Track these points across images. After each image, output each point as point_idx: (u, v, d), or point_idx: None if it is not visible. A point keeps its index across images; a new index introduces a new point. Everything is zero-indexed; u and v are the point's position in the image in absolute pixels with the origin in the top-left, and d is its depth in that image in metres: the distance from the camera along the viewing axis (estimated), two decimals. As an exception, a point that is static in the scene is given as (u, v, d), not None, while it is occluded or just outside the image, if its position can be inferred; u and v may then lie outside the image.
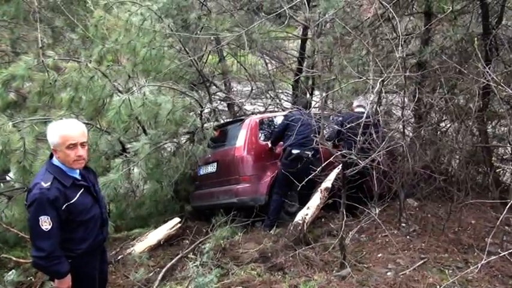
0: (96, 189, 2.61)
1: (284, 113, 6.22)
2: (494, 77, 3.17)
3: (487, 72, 3.35)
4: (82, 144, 2.41)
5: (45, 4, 6.53)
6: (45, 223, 2.25)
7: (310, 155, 4.85)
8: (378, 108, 4.06)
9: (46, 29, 6.47)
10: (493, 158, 5.16)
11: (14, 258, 4.18)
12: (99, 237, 2.56)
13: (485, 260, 2.86)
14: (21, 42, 6.55)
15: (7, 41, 7.04)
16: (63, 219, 2.33)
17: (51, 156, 2.45)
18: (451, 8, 4.77)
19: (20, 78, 4.83)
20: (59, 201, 2.30)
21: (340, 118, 5.47)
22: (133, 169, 5.04)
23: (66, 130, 2.38)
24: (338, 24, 5.37)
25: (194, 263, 3.88)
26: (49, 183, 2.29)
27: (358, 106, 5.28)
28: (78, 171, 2.47)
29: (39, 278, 3.97)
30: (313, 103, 8.07)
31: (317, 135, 4.08)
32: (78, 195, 2.40)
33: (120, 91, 5.39)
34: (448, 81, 5.24)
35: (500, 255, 2.91)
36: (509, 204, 2.66)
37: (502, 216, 2.64)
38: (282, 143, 5.18)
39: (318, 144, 4.08)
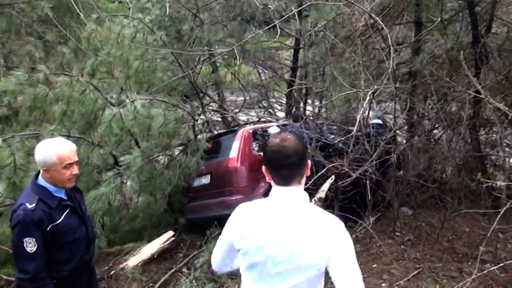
0: (83, 209, 2.56)
1: (278, 123, 6.23)
2: (480, 89, 3.18)
3: (476, 82, 3.37)
4: (76, 163, 2.41)
5: (36, 17, 6.50)
6: (30, 245, 2.21)
7: None
8: (369, 119, 4.07)
9: (38, 43, 6.45)
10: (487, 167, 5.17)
11: (4, 277, 4.12)
12: (85, 257, 2.51)
13: (478, 270, 2.84)
14: (12, 56, 6.53)
15: (-2, 55, 7.03)
16: (48, 240, 2.28)
17: (36, 175, 2.40)
18: (440, 17, 4.80)
19: (11, 93, 4.81)
20: (44, 223, 2.26)
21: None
22: (126, 182, 5.01)
23: (63, 150, 2.34)
24: (329, 34, 5.40)
25: (187, 278, 3.84)
26: (34, 205, 2.25)
27: (375, 117, 5.28)
28: (64, 191, 2.42)
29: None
30: (307, 112, 8.12)
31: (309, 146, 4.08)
32: (63, 216, 2.35)
33: (112, 104, 5.38)
34: (439, 89, 5.27)
35: (496, 267, 2.89)
36: (501, 213, 2.66)
37: (493, 227, 2.64)
38: None
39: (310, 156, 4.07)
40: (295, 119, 5.21)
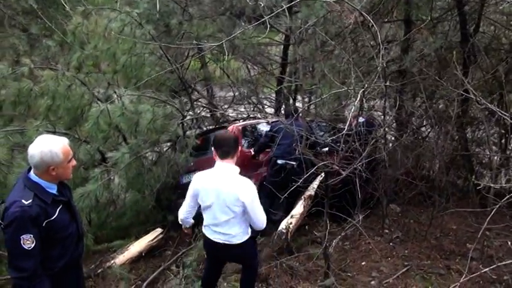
0: (72, 204, 2.55)
1: (267, 120, 6.21)
2: (470, 88, 3.20)
3: (464, 81, 3.39)
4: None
5: (20, 9, 6.33)
6: (28, 242, 2.16)
7: (295, 165, 4.83)
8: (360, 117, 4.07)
9: (22, 36, 6.28)
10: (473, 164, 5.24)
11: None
12: (75, 254, 2.50)
13: (467, 268, 2.88)
14: (-5, 49, 6.36)
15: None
16: (43, 237, 2.25)
17: (28, 171, 2.35)
18: (429, 16, 4.82)
19: (-6, 87, 4.68)
20: (40, 218, 2.22)
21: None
22: (113, 179, 4.93)
23: (64, 145, 2.36)
24: (319, 31, 5.38)
25: (176, 276, 3.80)
26: (30, 201, 2.20)
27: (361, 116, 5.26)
28: (56, 187, 2.40)
29: (15, 294, 3.83)
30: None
31: (299, 144, 4.07)
32: (57, 212, 2.33)
33: (99, 99, 5.28)
34: (428, 88, 5.31)
35: (488, 269, 2.93)
36: (492, 214, 2.69)
37: (483, 227, 2.67)
38: (268, 150, 5.21)
39: (300, 154, 4.06)
40: (287, 115, 5.21)
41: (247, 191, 2.76)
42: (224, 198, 2.78)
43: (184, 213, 3.06)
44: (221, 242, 2.90)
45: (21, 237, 2.16)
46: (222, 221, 2.83)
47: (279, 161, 5.00)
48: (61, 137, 2.45)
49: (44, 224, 2.24)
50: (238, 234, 2.89)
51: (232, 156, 2.85)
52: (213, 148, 2.88)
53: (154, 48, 5.93)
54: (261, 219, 2.87)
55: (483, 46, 5.36)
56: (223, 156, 2.83)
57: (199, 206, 2.99)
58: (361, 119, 5.18)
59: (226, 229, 2.86)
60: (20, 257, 2.19)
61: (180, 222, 3.23)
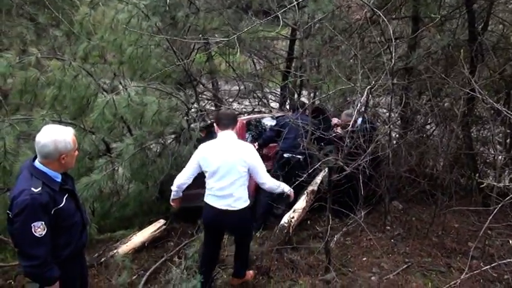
0: (76, 194, 2.60)
1: (272, 114, 6.21)
2: (478, 88, 3.18)
3: (471, 80, 3.38)
4: None
5: (28, -2, 6.36)
6: (39, 229, 2.20)
7: (301, 159, 4.85)
8: (365, 114, 4.06)
9: (29, 25, 6.30)
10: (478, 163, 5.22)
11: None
12: (79, 243, 2.54)
13: (468, 266, 2.89)
14: (2, 37, 6.36)
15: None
16: (52, 225, 2.28)
17: (33, 159, 2.38)
18: (438, 14, 4.79)
19: (1, 76, 4.69)
20: (50, 206, 2.26)
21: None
22: (117, 169, 4.96)
23: (71, 133, 2.42)
24: (328, 25, 5.36)
25: (178, 267, 3.83)
26: (40, 188, 2.24)
27: (347, 115, 5.27)
28: (60, 175, 2.43)
29: (19, 281, 3.88)
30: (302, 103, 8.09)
31: (304, 138, 4.07)
32: (64, 200, 2.37)
33: (105, 90, 5.29)
34: (434, 85, 5.29)
35: (489, 267, 2.93)
36: (494, 212, 2.69)
37: (485, 226, 2.67)
38: (272, 145, 5.25)
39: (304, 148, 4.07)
40: (293, 109, 5.25)
41: (250, 152, 3.26)
42: (230, 160, 3.20)
43: (182, 180, 3.42)
44: (223, 208, 3.26)
45: (32, 224, 2.18)
46: (228, 183, 3.21)
47: (285, 155, 5.07)
48: (66, 126, 2.50)
49: (52, 212, 2.28)
50: (241, 198, 3.27)
51: (232, 128, 3.33)
52: (215, 124, 3.38)
53: (160, 40, 5.94)
54: (265, 174, 3.33)
55: (491, 45, 5.32)
56: (224, 127, 3.31)
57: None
58: (359, 121, 5.19)
59: (231, 190, 3.22)
60: (31, 245, 2.21)
61: (172, 190, 3.55)
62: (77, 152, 2.48)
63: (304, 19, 6.33)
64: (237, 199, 3.26)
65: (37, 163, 2.36)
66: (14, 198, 2.24)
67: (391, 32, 3.91)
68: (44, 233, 2.21)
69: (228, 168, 3.21)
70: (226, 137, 3.30)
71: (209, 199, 3.33)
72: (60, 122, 4.48)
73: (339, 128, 5.34)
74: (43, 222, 2.21)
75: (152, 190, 5.30)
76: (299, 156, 4.89)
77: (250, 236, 3.66)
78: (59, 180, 2.40)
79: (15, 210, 2.21)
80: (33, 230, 2.18)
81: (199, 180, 5.45)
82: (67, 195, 2.41)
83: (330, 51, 5.73)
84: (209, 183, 3.32)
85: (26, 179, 2.29)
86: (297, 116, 4.69)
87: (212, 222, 3.41)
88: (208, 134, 5.76)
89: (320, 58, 6.43)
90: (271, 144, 5.40)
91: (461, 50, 3.84)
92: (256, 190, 5.10)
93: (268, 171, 5.22)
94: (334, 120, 5.55)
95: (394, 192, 5.10)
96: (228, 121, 3.32)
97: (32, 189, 2.22)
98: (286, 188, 3.50)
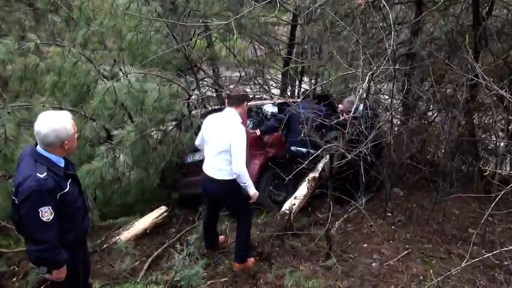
0: (78, 179, 2.63)
1: (273, 100, 6.17)
2: (481, 73, 3.15)
3: (475, 66, 3.34)
4: None
5: (26, -17, 6.26)
6: (47, 214, 2.22)
7: (305, 152, 4.80)
8: (367, 100, 4.03)
9: (28, 11, 6.22)
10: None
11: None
12: (82, 228, 2.58)
13: (469, 253, 2.90)
14: (1, 23, 6.30)
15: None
16: (58, 210, 2.31)
17: (35, 145, 2.39)
18: (442, -2, 4.71)
19: (0, 62, 4.66)
20: (56, 191, 2.29)
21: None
22: (118, 157, 4.96)
23: (69, 118, 2.43)
24: (328, 12, 5.28)
25: (180, 253, 3.86)
26: (45, 174, 2.26)
27: (349, 102, 5.22)
28: (63, 161, 2.44)
29: (22, 267, 3.92)
30: (301, 90, 8.04)
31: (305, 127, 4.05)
32: (68, 185, 2.39)
33: (105, 76, 5.26)
34: (437, 71, 5.23)
35: (490, 254, 2.95)
36: (496, 200, 2.69)
37: (487, 213, 2.67)
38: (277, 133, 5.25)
39: (305, 136, 4.05)
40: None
41: (235, 134, 3.47)
42: (218, 134, 3.56)
43: (197, 142, 3.98)
44: (210, 175, 3.63)
45: (39, 209, 2.21)
46: (215, 153, 3.58)
47: (292, 148, 5.12)
48: (62, 111, 2.52)
49: (58, 197, 2.30)
50: (223, 170, 3.56)
51: (236, 107, 3.64)
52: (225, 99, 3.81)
53: (160, 26, 5.87)
54: (239, 159, 3.45)
55: (495, 30, 5.24)
56: (230, 104, 3.66)
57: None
58: (360, 107, 5.15)
59: (216, 162, 3.58)
60: (40, 230, 2.24)
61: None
62: (77, 134, 2.51)
63: (306, 4, 6.25)
64: (219, 170, 3.58)
65: (40, 149, 2.36)
66: (19, 184, 2.25)
67: (393, 17, 3.84)
68: (51, 217, 2.23)
69: (215, 141, 3.58)
70: (227, 113, 3.64)
71: (204, 167, 3.71)
72: (60, 109, 4.46)
73: (344, 114, 5.29)
74: (50, 207, 2.23)
75: (153, 177, 5.32)
76: (304, 150, 4.86)
77: (243, 214, 3.81)
78: (62, 165, 2.42)
79: (22, 196, 2.22)
80: (40, 215, 2.21)
81: (199, 167, 5.49)
82: (70, 180, 2.43)
83: (331, 37, 5.65)
84: (204, 152, 3.75)
85: (30, 165, 2.29)
86: (302, 104, 4.67)
87: (203, 186, 3.77)
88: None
89: (321, 44, 6.36)
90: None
91: (466, 35, 3.78)
92: (257, 176, 5.11)
93: (271, 157, 5.25)
94: (340, 107, 5.50)
95: (395, 178, 5.09)
96: (233, 100, 3.65)
97: (38, 174, 2.23)
98: (251, 191, 3.62)
